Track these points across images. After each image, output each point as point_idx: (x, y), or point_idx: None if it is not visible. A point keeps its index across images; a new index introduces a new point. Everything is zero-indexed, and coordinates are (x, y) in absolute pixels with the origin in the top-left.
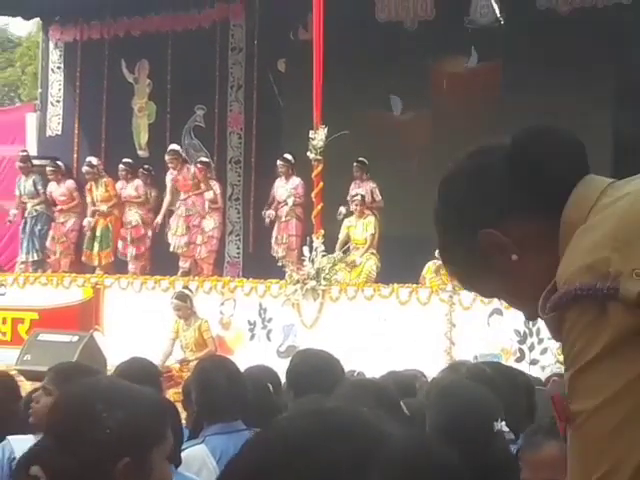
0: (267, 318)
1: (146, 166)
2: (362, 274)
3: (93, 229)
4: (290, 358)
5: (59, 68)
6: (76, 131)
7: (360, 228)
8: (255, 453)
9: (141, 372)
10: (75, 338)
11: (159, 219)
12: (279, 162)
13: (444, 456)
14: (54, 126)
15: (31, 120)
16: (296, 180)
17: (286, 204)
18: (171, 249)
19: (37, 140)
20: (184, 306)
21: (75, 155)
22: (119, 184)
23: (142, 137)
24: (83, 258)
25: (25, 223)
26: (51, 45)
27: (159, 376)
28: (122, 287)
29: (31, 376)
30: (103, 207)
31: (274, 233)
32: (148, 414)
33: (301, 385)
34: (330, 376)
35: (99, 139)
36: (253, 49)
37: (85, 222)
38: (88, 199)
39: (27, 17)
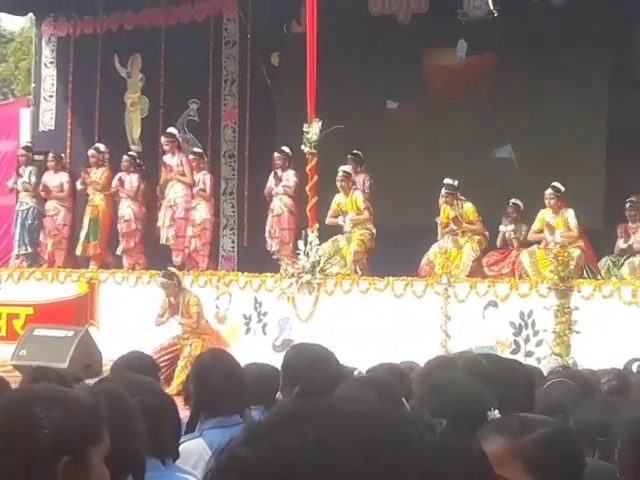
0: (262, 312)
1: (138, 161)
2: (353, 245)
3: (81, 219)
4: (286, 352)
5: (52, 63)
6: (69, 126)
7: (349, 204)
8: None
9: (139, 365)
10: (70, 333)
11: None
12: (276, 154)
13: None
14: (47, 121)
15: (25, 115)
16: (290, 173)
17: (279, 197)
18: (161, 241)
19: (31, 135)
20: (171, 284)
21: (68, 150)
22: (118, 176)
23: (135, 131)
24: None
25: (17, 216)
26: (44, 40)
27: (156, 370)
28: (117, 282)
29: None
30: (97, 197)
31: (267, 227)
32: (84, 416)
33: (297, 380)
34: (325, 370)
35: (92, 133)
36: (246, 43)
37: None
38: (79, 183)
39: (21, 13)
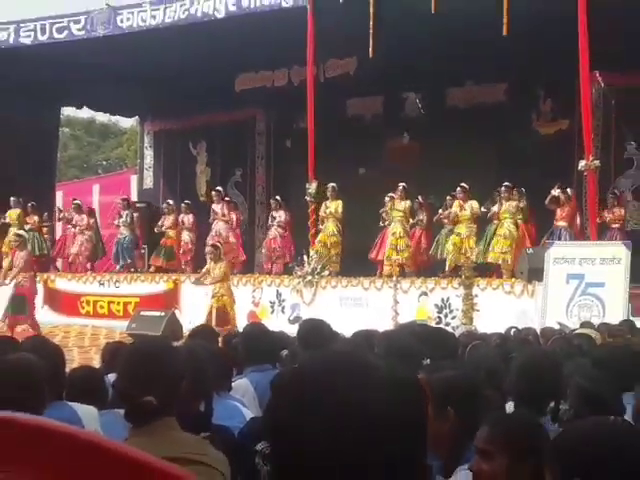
0: (282, 299)
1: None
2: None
3: (164, 244)
4: (298, 323)
5: (150, 147)
6: (161, 186)
7: (332, 207)
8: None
9: (207, 333)
10: (163, 313)
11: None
12: (272, 201)
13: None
14: (148, 183)
15: (133, 180)
16: (281, 212)
17: (274, 227)
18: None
19: (137, 192)
20: (214, 252)
21: (161, 202)
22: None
23: (202, 189)
24: (151, 261)
25: (117, 242)
26: (145, 133)
27: (216, 335)
28: (191, 281)
29: (137, 338)
30: (170, 232)
31: (265, 245)
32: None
33: (305, 340)
34: (324, 334)
35: (175, 190)
36: (271, 133)
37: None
38: (161, 223)
39: (129, 115)
